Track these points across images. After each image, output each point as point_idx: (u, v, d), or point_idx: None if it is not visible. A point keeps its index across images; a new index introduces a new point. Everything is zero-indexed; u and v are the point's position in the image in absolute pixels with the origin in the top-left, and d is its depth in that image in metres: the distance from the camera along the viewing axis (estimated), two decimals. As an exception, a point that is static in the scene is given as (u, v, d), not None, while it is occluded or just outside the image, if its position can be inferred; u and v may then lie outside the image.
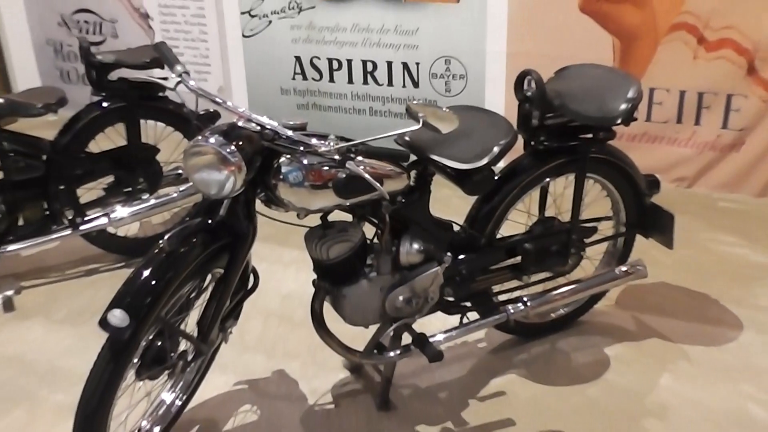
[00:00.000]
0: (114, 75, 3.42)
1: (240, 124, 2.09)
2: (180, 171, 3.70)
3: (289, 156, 2.10)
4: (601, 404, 2.57)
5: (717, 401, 2.57)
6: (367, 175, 2.10)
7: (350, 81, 4.84)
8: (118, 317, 1.88)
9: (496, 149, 2.38)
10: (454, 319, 2.64)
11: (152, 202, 3.48)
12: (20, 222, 3.33)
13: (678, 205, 2.85)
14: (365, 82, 4.80)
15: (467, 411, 2.54)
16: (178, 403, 2.41)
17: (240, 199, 2.12)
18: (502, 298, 2.74)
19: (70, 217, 3.37)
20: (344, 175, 2.14)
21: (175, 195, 3.51)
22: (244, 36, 5.01)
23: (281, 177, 2.09)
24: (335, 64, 4.84)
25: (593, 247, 2.86)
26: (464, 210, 2.64)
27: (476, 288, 2.63)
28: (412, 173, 2.39)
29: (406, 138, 2.37)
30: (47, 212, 3.36)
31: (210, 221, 2.13)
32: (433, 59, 4.58)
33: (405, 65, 4.66)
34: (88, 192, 3.51)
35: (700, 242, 3.65)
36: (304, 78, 4.93)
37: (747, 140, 4.06)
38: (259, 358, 2.81)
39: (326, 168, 2.12)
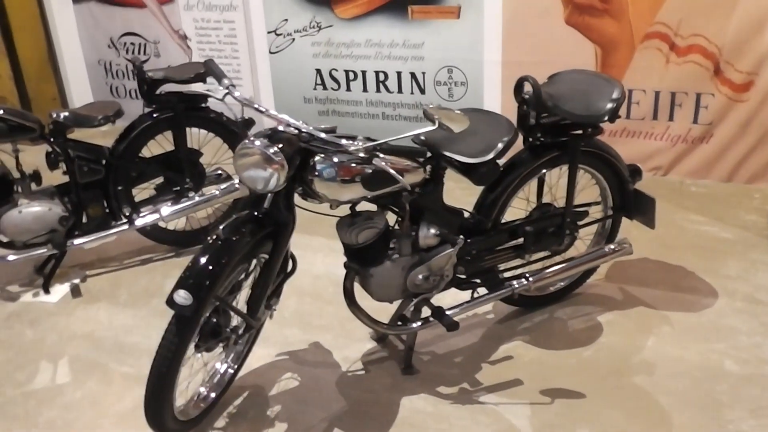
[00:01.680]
0: (162, 89, 3.46)
1: (280, 128, 2.13)
2: (220, 172, 3.73)
3: (322, 155, 2.14)
4: (595, 364, 2.61)
5: (695, 358, 2.61)
6: (390, 170, 2.14)
7: (365, 90, 4.86)
8: (183, 296, 1.93)
9: (500, 145, 2.42)
10: (466, 294, 2.68)
11: (197, 199, 3.50)
12: (84, 219, 3.38)
13: (654, 190, 2.87)
14: (378, 90, 4.82)
15: (480, 373, 2.58)
16: (230, 371, 2.46)
17: (281, 193, 2.16)
18: (507, 275, 2.76)
19: (127, 214, 3.41)
20: (370, 171, 2.18)
21: (217, 193, 3.51)
22: (270, 53, 5.03)
23: (316, 173, 2.13)
24: (351, 75, 4.86)
25: (585, 229, 2.88)
26: (465, 199, 2.67)
27: (484, 266, 2.67)
28: (427, 168, 2.42)
29: (422, 137, 2.39)
30: (107, 210, 3.41)
31: (256, 213, 2.18)
32: (437, 69, 4.59)
33: (412, 75, 4.68)
34: (141, 192, 3.56)
35: (674, 222, 3.67)
36: (324, 88, 4.96)
37: (714, 133, 4.07)
38: (296, 332, 2.85)
39: (354, 165, 2.16)
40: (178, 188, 3.53)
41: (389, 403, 2.45)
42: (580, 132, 2.61)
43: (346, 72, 4.87)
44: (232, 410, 2.44)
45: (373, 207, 2.41)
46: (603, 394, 2.44)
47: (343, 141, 2.08)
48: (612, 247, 2.85)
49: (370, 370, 2.63)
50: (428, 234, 2.44)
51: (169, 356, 1.97)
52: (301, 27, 4.87)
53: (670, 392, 2.43)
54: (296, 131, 2.12)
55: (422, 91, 4.70)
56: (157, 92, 3.44)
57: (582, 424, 2.30)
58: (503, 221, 2.69)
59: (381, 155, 2.16)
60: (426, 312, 2.53)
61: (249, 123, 3.69)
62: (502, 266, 2.76)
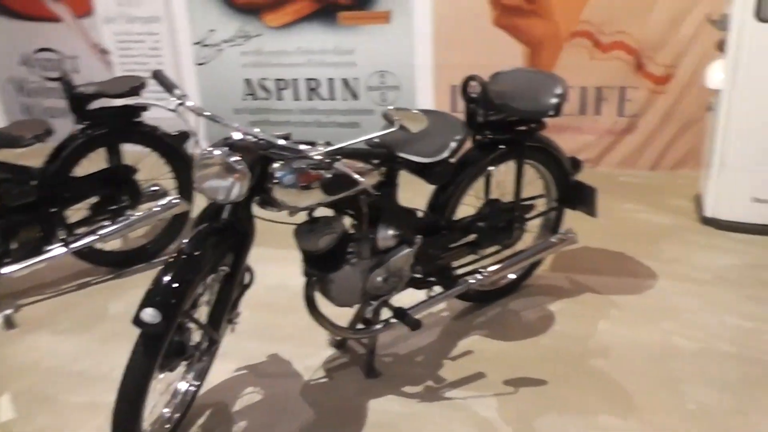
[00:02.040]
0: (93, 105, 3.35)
1: (236, 137, 2.10)
2: (157, 187, 3.64)
3: (281, 162, 2.12)
4: (554, 351, 2.68)
5: (646, 338, 2.72)
6: (353, 173, 2.15)
7: (297, 98, 4.85)
8: (151, 314, 1.87)
9: (453, 144, 2.46)
10: (420, 294, 2.70)
11: (136, 217, 3.42)
12: (14, 245, 3.23)
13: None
14: (310, 98, 4.82)
15: (443, 370, 2.61)
16: (192, 389, 2.39)
17: (240, 203, 2.13)
18: (459, 272, 2.81)
19: (62, 237, 3.28)
20: (330, 175, 2.17)
21: (157, 209, 3.46)
22: (197, 64, 4.96)
23: (276, 181, 2.11)
24: (282, 84, 4.84)
25: (531, 222, 2.97)
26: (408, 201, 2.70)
27: (440, 265, 2.70)
28: (382, 170, 2.44)
29: (376, 140, 2.41)
30: (41, 234, 3.27)
31: (215, 225, 2.14)
32: (370, 74, 4.64)
33: (345, 81, 4.71)
34: (74, 213, 3.43)
35: (609, 211, 3.79)
36: (255, 98, 4.92)
37: (639, 124, 4.28)
38: (254, 344, 2.80)
39: (314, 170, 2.15)
40: (115, 207, 3.43)
41: (358, 407, 2.44)
42: (525, 128, 2.68)
43: (277, 81, 4.85)
44: (197, 430, 2.39)
45: (329, 212, 2.42)
46: (566, 379, 2.51)
47: (303, 147, 2.07)
48: (559, 237, 2.95)
49: (334, 377, 2.62)
50: (387, 235, 2.46)
51: (138, 378, 1.90)
52: (228, 37, 4.82)
53: (630, 372, 2.53)
54: (254, 139, 2.10)
55: (355, 97, 4.73)
56: (89, 108, 3.33)
57: (551, 410, 2.36)
58: (455, 219, 2.73)
59: (341, 159, 2.16)
60: (386, 314, 2.54)
61: (184, 136, 3.61)
62: (454, 263, 2.81)
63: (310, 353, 2.75)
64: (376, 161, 2.38)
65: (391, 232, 2.46)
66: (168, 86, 2.22)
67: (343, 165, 2.15)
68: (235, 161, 1.98)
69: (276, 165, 2.11)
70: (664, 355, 2.61)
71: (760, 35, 3.16)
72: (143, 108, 3.40)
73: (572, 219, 3.09)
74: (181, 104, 2.19)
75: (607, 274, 3.19)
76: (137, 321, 1.88)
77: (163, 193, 3.61)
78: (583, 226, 3.15)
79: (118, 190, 3.43)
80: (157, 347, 1.92)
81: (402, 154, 2.41)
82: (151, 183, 3.60)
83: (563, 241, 2.93)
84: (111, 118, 3.33)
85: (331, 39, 4.61)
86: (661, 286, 3.08)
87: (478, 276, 2.72)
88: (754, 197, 3.41)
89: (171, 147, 3.49)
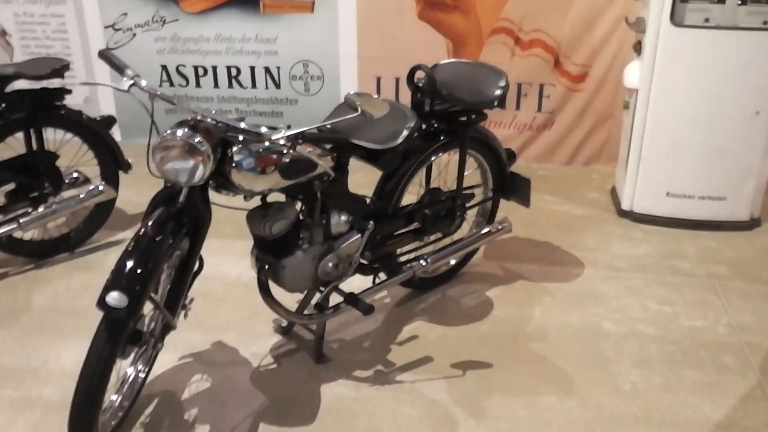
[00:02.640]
0: (11, 87, 3.19)
1: (188, 119, 2.08)
2: (77, 175, 3.51)
3: (240, 145, 2.12)
4: (494, 335, 2.81)
5: (578, 322, 2.90)
6: (315, 158, 2.18)
7: (216, 85, 4.78)
8: (117, 298, 1.83)
9: (405, 132, 2.53)
10: (363, 281, 2.76)
11: (60, 204, 3.30)
12: None
13: (506, 175, 3.14)
14: (230, 85, 4.77)
15: (391, 354, 2.69)
16: (142, 376, 2.36)
17: (197, 187, 2.11)
18: (402, 259, 2.90)
19: (-23, 225, 3.12)
20: (288, 159, 2.19)
21: (82, 196, 3.35)
22: (108, 49, 4.78)
23: (234, 164, 2.11)
24: (201, 71, 4.76)
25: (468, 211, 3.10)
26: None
27: (386, 251, 2.78)
28: (333, 156, 2.48)
29: (328, 126, 2.45)
30: (-47, 223, 3.09)
31: (171, 210, 2.11)
32: (293, 63, 4.64)
33: (267, 69, 4.68)
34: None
35: (533, 203, 3.98)
36: (171, 84, 4.81)
37: (556, 120, 4.50)
38: (195, 334, 2.77)
39: (273, 154, 2.16)
40: (36, 194, 3.28)
41: (310, 393, 2.47)
42: (470, 118, 2.79)
43: (195, 68, 4.76)
44: (146, 420, 2.34)
45: (282, 198, 2.43)
46: (508, 362, 2.64)
47: (264, 130, 2.08)
48: (496, 226, 3.08)
49: (282, 363, 2.64)
50: (339, 221, 2.50)
51: (100, 365, 1.86)
52: (143, 21, 4.69)
53: (565, 354, 2.69)
54: (213, 122, 2.09)
55: (277, 86, 4.72)
56: (6, 90, 3.17)
57: (496, 391, 2.48)
58: (401, 206, 2.81)
59: (302, 143, 2.19)
60: (336, 299, 2.58)
61: (110, 121, 3.51)
62: (398, 251, 2.89)
63: (255, 340, 2.76)
64: (328, 147, 2.42)
65: (343, 218, 2.51)
66: (118, 66, 2.17)
67: (304, 149, 2.18)
68: (199, 142, 1.98)
69: (235, 148, 2.12)
70: (595, 337, 2.80)
71: (674, 38, 3.41)
72: (66, 91, 3.28)
73: (502, 209, 3.24)
74: (133, 85, 2.14)
75: (536, 263, 3.37)
76: (102, 304, 1.84)
77: (84, 180, 3.49)
78: (508, 216, 3.29)
79: (37, 176, 3.28)
80: (121, 332, 1.90)
81: (355, 141, 2.46)
82: (72, 170, 3.47)
83: (500, 230, 3.07)
84: (30, 102, 3.18)
85: (253, 27, 4.57)
86: (586, 273, 3.28)
87: (422, 262, 2.81)
88: (667, 191, 3.69)
89: (95, 132, 3.38)
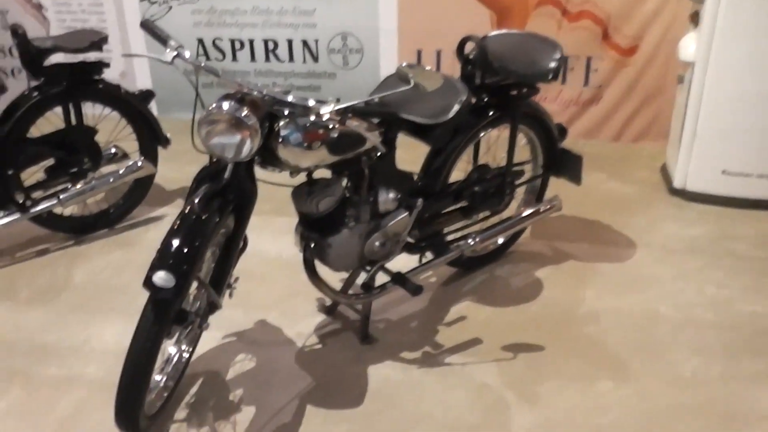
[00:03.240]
0: (50, 60, 3.17)
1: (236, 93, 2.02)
2: (115, 150, 3.49)
3: (287, 119, 2.06)
4: (544, 317, 2.74)
5: (632, 306, 2.81)
6: (364, 132, 2.11)
7: (253, 59, 4.73)
8: (164, 278, 1.80)
9: (456, 106, 2.45)
10: (412, 260, 2.70)
11: (98, 180, 3.29)
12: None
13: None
14: (267, 59, 4.71)
15: (439, 336, 2.63)
16: (186, 356, 2.33)
17: (242, 163, 2.06)
18: (449, 238, 2.83)
19: (20, 201, 3.11)
20: (336, 134, 2.13)
21: (122, 172, 3.33)
22: (150, 19, 4.74)
23: (281, 139, 2.05)
24: (237, 45, 4.70)
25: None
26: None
27: (433, 230, 2.71)
28: (381, 131, 2.40)
29: (376, 99, 2.37)
30: (-5, 198, 3.09)
31: (217, 186, 2.06)
32: (331, 36, 4.56)
33: (304, 42, 4.61)
34: (30, 176, 3.25)
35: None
36: (208, 58, 4.76)
37: (603, 95, 4.37)
38: (238, 313, 2.72)
39: (320, 129, 2.10)
40: (75, 170, 3.26)
41: (356, 375, 2.43)
42: (522, 91, 2.70)
43: (232, 41, 4.71)
44: (191, 399, 2.32)
45: (328, 174, 2.37)
46: (560, 345, 2.57)
47: (312, 103, 2.02)
48: (546, 204, 2.99)
49: (327, 343, 2.59)
50: (387, 199, 2.44)
51: (147, 346, 1.83)
52: (179, -6, 4.64)
53: (620, 339, 2.61)
54: (260, 94, 2.03)
55: (315, 59, 4.66)
56: (45, 64, 3.14)
57: (549, 376, 2.41)
58: (449, 183, 2.73)
59: (351, 117, 2.13)
60: (381, 279, 2.53)
61: (148, 95, 3.48)
62: (445, 229, 2.82)
63: (298, 320, 2.72)
64: (376, 121, 2.35)
65: (391, 195, 2.45)
66: (161, 37, 2.13)
67: (353, 124, 2.11)
68: (246, 116, 1.92)
69: (282, 122, 2.06)
70: (650, 322, 2.70)
71: (734, 8, 3.26)
72: (104, 64, 3.24)
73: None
74: (177, 56, 2.09)
75: (586, 242, 3.27)
76: (149, 284, 1.80)
77: (123, 156, 3.47)
78: (555, 193, 3.20)
79: (77, 152, 3.26)
80: (168, 313, 1.87)
81: (404, 116, 2.39)
82: (110, 145, 3.45)
83: (550, 208, 2.98)
84: (69, 75, 3.16)
85: (290, -1, 4.51)
86: (639, 255, 3.18)
87: (470, 241, 2.74)
88: (723, 169, 3.55)
89: (133, 107, 3.35)
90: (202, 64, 2.08)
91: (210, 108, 1.95)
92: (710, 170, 3.58)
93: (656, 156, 4.20)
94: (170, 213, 3.58)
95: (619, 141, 4.47)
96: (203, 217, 1.93)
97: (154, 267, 1.82)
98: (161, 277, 1.80)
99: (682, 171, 3.66)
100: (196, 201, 1.94)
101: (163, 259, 1.83)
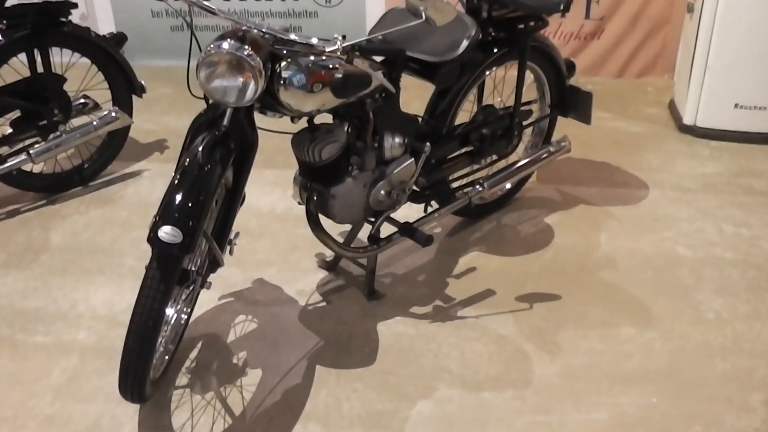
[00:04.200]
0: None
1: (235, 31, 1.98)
2: (84, 100, 3.41)
3: (289, 60, 2.03)
4: (558, 264, 2.77)
5: (649, 248, 2.85)
6: (372, 71, 2.09)
7: (226, -2, 4.63)
8: (171, 233, 1.78)
9: (465, 42, 2.42)
10: (416, 210, 2.71)
11: (70, 133, 3.22)
12: None
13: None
14: (242, -2, 4.61)
15: (449, 288, 2.65)
16: (184, 317, 2.31)
17: (242, 109, 2.03)
18: (455, 185, 2.83)
19: (-17, 158, 3.05)
20: (341, 75, 2.10)
21: (95, 123, 3.26)
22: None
23: (283, 81, 2.02)
24: (209, -17, 4.58)
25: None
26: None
27: (439, 177, 2.71)
28: (384, 71, 2.38)
29: (380, 36, 2.34)
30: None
31: (216, 134, 2.03)
32: (312, -29, 4.48)
33: (282, -21, 4.52)
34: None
35: (584, 121, 3.91)
36: (177, -1, 4.64)
37: (606, 28, 4.36)
38: (234, 271, 2.72)
39: (324, 69, 2.07)
40: (44, 122, 3.19)
41: (367, 331, 2.45)
42: (530, 25, 2.67)
43: (203, -22, 4.58)
44: (191, 364, 2.32)
45: (329, 119, 2.35)
46: (577, 292, 2.60)
47: (315, 41, 1.98)
48: (556, 145, 3.00)
49: (331, 300, 2.60)
50: (394, 144, 2.42)
51: (155, 307, 1.82)
52: (142, -74, 4.50)
53: (639, 282, 2.65)
54: (260, 33, 1.98)
55: (295, -2, 4.57)
56: (6, 5, 3.05)
57: (568, 324, 2.45)
58: (455, 126, 2.72)
59: (358, 56, 2.09)
60: (386, 230, 2.53)
61: (120, 39, 3.40)
62: (451, 175, 2.82)
63: (299, 277, 2.72)
64: (379, 60, 2.32)
65: (398, 140, 2.43)
66: None
67: (361, 62, 2.09)
68: (249, 56, 1.88)
69: (283, 63, 2.02)
70: (670, 264, 2.75)
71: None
72: (71, 5, 3.15)
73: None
74: (167, -7, 2.04)
75: (596, 185, 3.30)
76: (155, 240, 1.79)
77: (94, 106, 3.40)
78: (559, 134, 3.20)
79: (43, 102, 3.19)
80: (176, 270, 1.85)
81: (410, 53, 2.36)
82: (80, 94, 3.38)
83: (560, 150, 2.99)
84: (33, 17, 3.06)
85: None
86: (652, 195, 3.21)
87: (478, 187, 2.74)
88: (735, 103, 3.58)
89: (105, 52, 3.26)
90: (201, 3, 2.02)
91: (208, 48, 1.91)
92: (722, 104, 3.61)
93: (663, 91, 4.22)
94: (149, 168, 3.52)
95: (623, 77, 4.48)
96: (206, 168, 1.91)
97: (157, 223, 1.80)
98: (168, 232, 1.78)
99: (692, 106, 3.68)
100: (199, 151, 1.91)
101: (167, 214, 1.81)
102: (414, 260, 2.81)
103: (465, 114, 2.78)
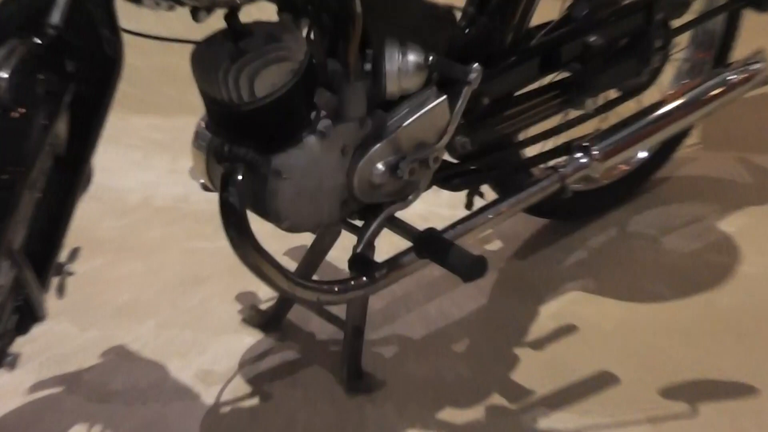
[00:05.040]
0: None
1: None
2: None
3: None
4: (748, 316, 2.85)
5: None
6: None
7: None
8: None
9: None
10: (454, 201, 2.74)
11: None
12: None
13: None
14: None
15: (519, 370, 2.64)
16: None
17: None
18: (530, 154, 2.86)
19: None
20: None
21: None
22: None
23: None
24: None
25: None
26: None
27: (499, 135, 2.72)
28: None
29: None
30: None
31: (37, 42, 2.03)
32: None
33: None
34: None
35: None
36: None
37: None
38: (66, 329, 2.84)
39: None
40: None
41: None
42: None
43: None
44: None
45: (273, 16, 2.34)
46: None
47: None
48: (740, 69, 3.00)
49: (271, 397, 2.60)
50: (405, 64, 2.38)
51: None
52: None
53: None
54: None
55: None
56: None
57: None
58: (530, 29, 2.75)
59: None
60: (390, 245, 2.56)
61: None
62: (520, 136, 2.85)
63: (201, 343, 2.80)
64: None
65: (413, 57, 2.41)
66: None
67: None
68: None
69: None
70: None
71: None
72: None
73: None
74: None
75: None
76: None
77: None
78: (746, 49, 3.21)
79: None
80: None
81: None
82: None
83: (749, 78, 2.99)
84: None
85: None
86: None
87: (580, 156, 2.73)
88: None
89: None
90: None
91: None
92: None
93: None
94: None
95: None
96: (10, 115, 1.92)
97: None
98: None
99: None
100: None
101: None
102: (443, 307, 2.85)
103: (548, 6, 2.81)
